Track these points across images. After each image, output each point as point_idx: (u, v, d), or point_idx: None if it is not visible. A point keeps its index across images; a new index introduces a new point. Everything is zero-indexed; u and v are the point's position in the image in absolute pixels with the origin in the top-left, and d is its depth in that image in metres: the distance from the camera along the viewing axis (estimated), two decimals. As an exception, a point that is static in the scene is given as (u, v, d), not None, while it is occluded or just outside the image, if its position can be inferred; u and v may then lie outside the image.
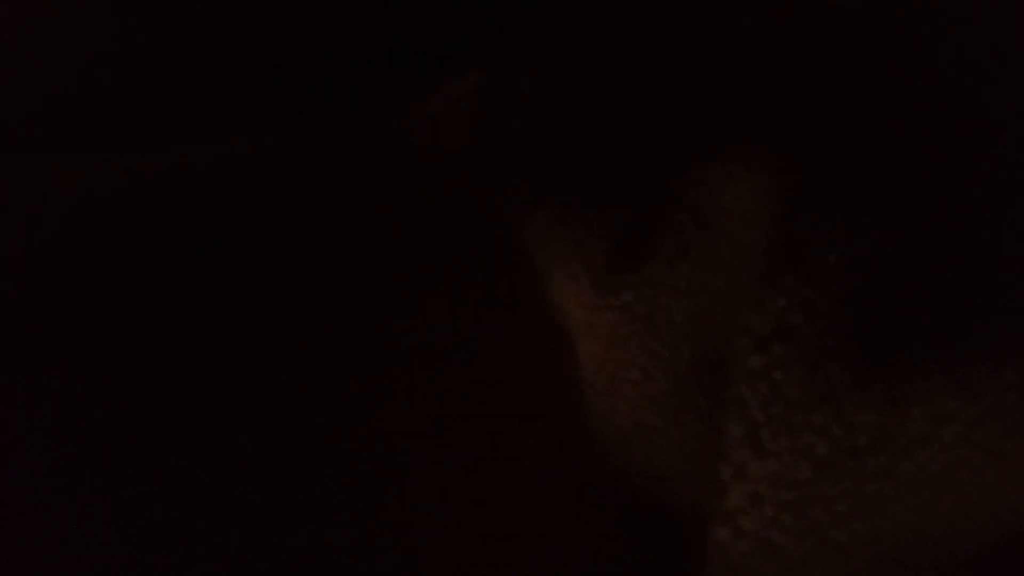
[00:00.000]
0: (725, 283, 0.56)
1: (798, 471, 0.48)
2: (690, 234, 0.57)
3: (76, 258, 0.76)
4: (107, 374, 0.72)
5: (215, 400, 0.71)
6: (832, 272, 0.51)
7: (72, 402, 0.72)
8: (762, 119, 0.58)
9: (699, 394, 0.55)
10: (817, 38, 0.60)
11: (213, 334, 0.72)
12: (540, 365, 0.65)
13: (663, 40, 0.66)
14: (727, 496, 0.50)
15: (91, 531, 0.69)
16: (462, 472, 0.65)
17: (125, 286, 0.74)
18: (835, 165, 0.53)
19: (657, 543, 0.56)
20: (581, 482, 0.62)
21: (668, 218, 0.58)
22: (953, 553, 0.48)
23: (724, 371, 0.53)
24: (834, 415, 0.48)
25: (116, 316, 0.73)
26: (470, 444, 0.66)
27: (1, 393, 0.71)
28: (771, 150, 0.56)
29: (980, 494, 0.47)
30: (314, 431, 0.69)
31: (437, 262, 0.71)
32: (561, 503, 0.63)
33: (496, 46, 0.75)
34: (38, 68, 0.81)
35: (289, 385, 0.70)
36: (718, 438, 0.52)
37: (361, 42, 0.79)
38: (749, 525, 0.49)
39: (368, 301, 0.71)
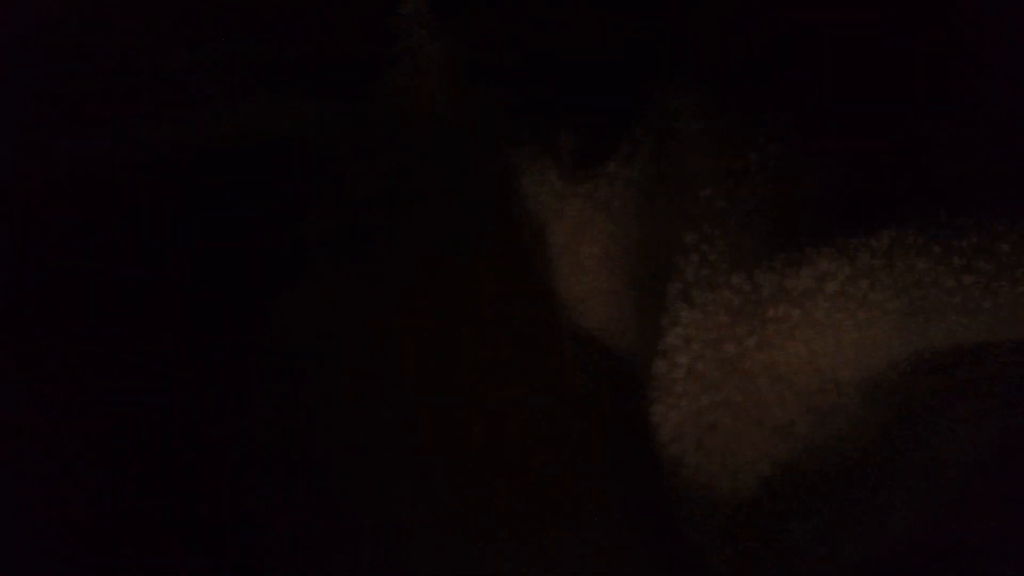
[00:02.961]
0: (667, 178, 0.69)
1: (718, 318, 0.63)
2: (642, 140, 0.71)
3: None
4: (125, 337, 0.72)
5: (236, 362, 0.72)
6: (748, 171, 0.65)
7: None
8: (706, 47, 0.71)
9: (645, 263, 0.69)
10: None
11: (221, 302, 0.73)
12: (519, 246, 0.77)
13: None
14: (665, 337, 0.64)
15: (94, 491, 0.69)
16: (453, 337, 0.74)
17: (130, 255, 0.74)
18: (754, 89, 0.67)
19: (611, 378, 0.70)
20: (553, 335, 0.75)
21: (626, 127, 0.71)
22: (836, 379, 0.63)
23: (665, 245, 0.67)
24: (745, 276, 0.63)
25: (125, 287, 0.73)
26: (462, 314, 0.75)
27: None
28: (710, 74, 0.69)
29: (852, 333, 0.62)
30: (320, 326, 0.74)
31: (429, 175, 0.77)
32: (536, 353, 0.75)
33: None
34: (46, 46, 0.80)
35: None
36: (659, 296, 0.66)
37: (341, 22, 0.82)
38: (681, 359, 0.64)
39: (366, 216, 0.76)
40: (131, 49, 0.80)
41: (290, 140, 0.76)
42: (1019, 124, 0.61)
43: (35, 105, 0.78)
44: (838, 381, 0.63)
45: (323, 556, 0.68)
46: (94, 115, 0.78)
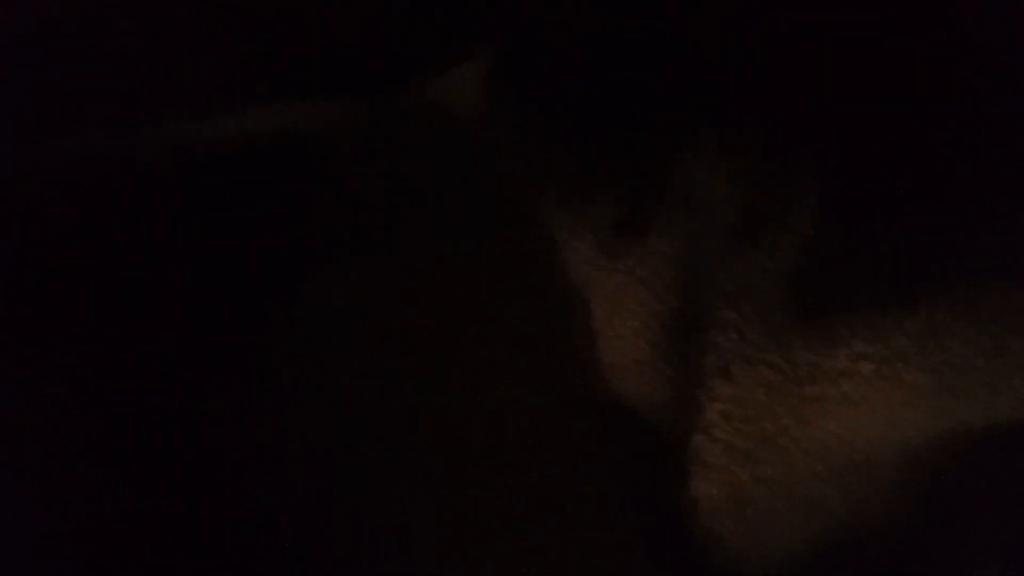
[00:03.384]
0: (704, 252, 0.71)
1: (755, 394, 0.65)
2: (678, 213, 0.72)
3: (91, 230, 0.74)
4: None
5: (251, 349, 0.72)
6: (783, 246, 0.67)
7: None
8: (738, 121, 0.73)
9: (682, 338, 0.71)
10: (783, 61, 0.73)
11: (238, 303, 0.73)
12: (556, 315, 0.79)
13: (658, 40, 0.78)
14: (703, 412, 0.66)
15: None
16: (483, 402, 0.75)
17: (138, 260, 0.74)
18: (787, 167, 0.69)
19: (647, 452, 0.72)
20: (589, 407, 0.77)
21: (662, 200, 0.73)
22: (870, 457, 0.64)
23: (702, 320, 0.69)
24: (782, 354, 0.64)
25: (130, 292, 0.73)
26: (492, 381, 0.77)
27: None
28: (742, 152, 0.71)
29: (886, 412, 0.63)
30: (363, 379, 0.74)
31: (456, 230, 0.79)
32: (570, 424, 0.77)
33: (502, 30, 0.82)
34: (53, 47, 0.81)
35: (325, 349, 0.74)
36: (696, 371, 0.68)
37: (372, 24, 0.84)
38: (719, 434, 0.65)
39: (391, 267, 0.77)
40: (151, 48, 0.81)
41: (315, 141, 0.78)
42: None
43: (52, 104, 0.80)
44: (872, 459, 0.64)
45: (332, 556, 0.69)
46: (114, 116, 0.80)
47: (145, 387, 0.71)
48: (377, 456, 0.72)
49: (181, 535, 0.67)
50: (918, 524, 0.65)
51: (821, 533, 0.64)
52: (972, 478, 0.65)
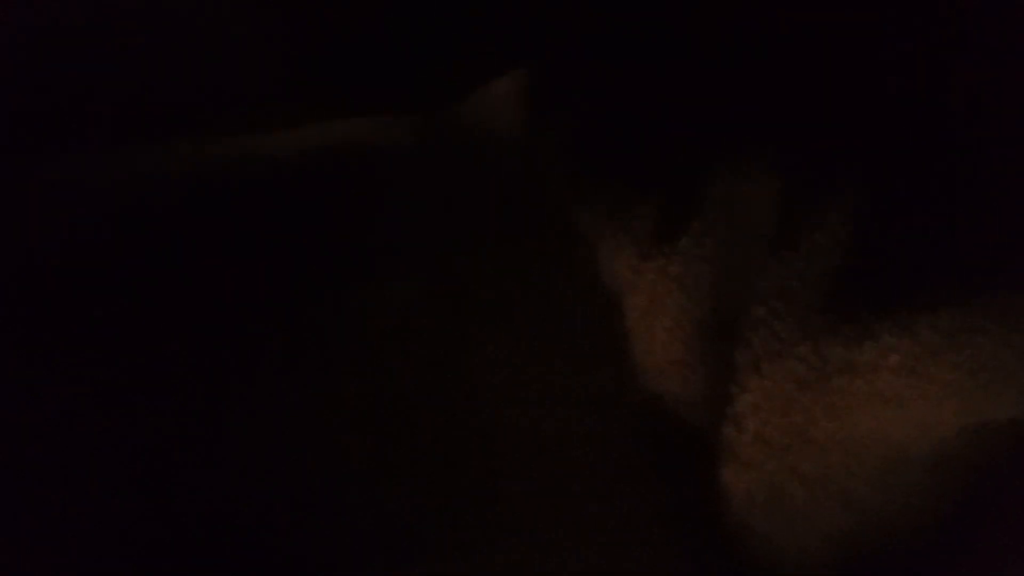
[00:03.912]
0: (739, 254, 0.73)
1: (786, 387, 0.66)
2: (714, 216, 0.74)
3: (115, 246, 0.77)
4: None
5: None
6: (817, 248, 0.68)
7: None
8: (773, 130, 0.75)
9: (716, 336, 0.72)
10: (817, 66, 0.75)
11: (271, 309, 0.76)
12: (593, 318, 0.81)
13: (696, 50, 0.79)
14: (734, 405, 0.67)
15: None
16: (522, 401, 0.78)
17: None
18: (822, 169, 0.70)
19: (681, 444, 0.73)
20: (624, 406, 0.78)
21: (698, 204, 0.75)
22: (902, 451, 0.65)
23: (736, 319, 0.70)
24: (812, 349, 0.65)
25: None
26: (531, 381, 0.79)
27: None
28: (777, 155, 0.73)
29: (917, 406, 0.64)
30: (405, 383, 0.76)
31: (497, 237, 0.81)
32: (606, 423, 0.79)
33: (543, 43, 0.85)
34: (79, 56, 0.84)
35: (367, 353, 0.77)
36: (729, 367, 0.69)
37: (414, 36, 0.86)
38: (750, 425, 0.67)
39: (435, 274, 0.80)
40: (201, 63, 0.84)
41: (362, 154, 0.81)
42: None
43: (107, 114, 0.82)
44: (904, 451, 0.65)
45: (368, 545, 0.71)
46: (166, 129, 0.82)
47: (192, 389, 0.74)
48: (421, 451, 0.75)
49: (192, 532, 0.70)
50: (952, 521, 0.66)
51: (855, 528, 0.65)
52: (1004, 475, 0.66)
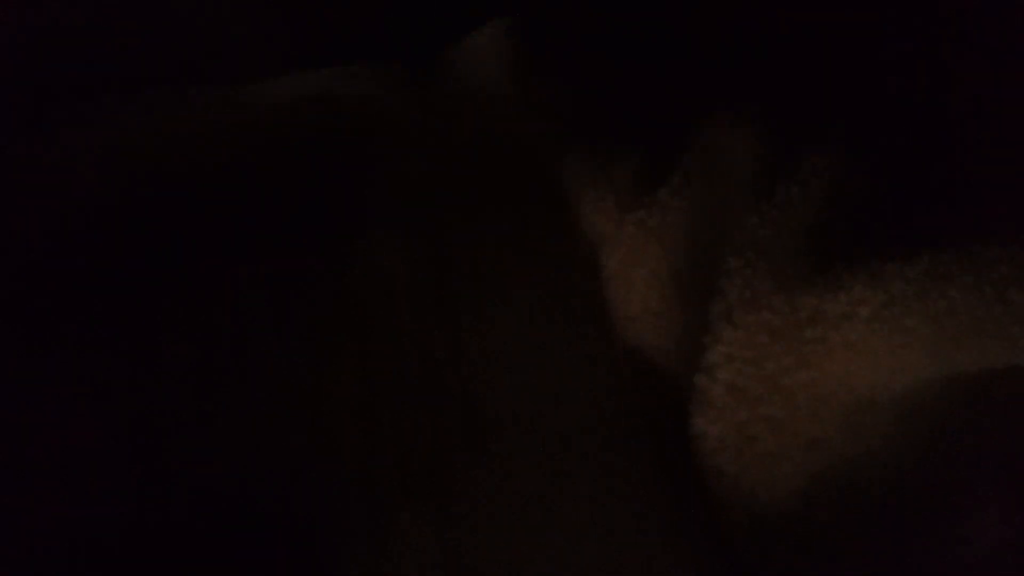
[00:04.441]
0: (718, 207, 0.74)
1: (759, 338, 0.67)
2: (694, 169, 0.75)
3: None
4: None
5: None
6: (794, 201, 0.69)
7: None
8: (755, 86, 0.75)
9: (693, 287, 0.73)
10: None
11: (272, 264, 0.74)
12: (573, 266, 0.82)
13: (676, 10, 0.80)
14: (707, 355, 0.68)
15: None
16: (513, 357, 0.78)
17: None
18: (801, 125, 0.71)
19: (658, 393, 0.75)
20: (605, 358, 0.79)
21: (678, 157, 0.76)
22: (871, 399, 0.66)
23: (711, 270, 0.71)
24: (786, 300, 0.67)
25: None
26: (519, 336, 0.79)
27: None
28: (758, 111, 0.73)
29: (886, 356, 0.65)
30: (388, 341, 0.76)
31: (483, 191, 0.81)
32: (593, 379, 0.80)
33: None
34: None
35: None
36: (704, 318, 0.70)
37: None
38: (722, 375, 0.68)
39: (419, 225, 0.79)
40: (191, 13, 0.83)
41: (348, 104, 0.80)
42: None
43: (93, 65, 0.81)
44: (873, 401, 0.66)
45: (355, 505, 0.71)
46: (155, 79, 0.81)
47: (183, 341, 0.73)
48: (406, 406, 0.75)
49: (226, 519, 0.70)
50: (918, 468, 0.67)
51: (825, 470, 0.66)
52: (971, 425, 0.67)
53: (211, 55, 0.85)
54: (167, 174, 0.77)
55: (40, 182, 0.78)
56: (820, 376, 0.66)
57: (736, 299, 0.68)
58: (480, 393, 0.76)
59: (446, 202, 0.80)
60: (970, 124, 0.66)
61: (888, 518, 0.67)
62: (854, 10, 0.74)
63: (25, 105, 0.81)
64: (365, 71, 0.85)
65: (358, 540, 0.73)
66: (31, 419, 0.70)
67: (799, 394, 0.66)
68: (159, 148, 0.79)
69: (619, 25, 0.82)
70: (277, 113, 0.81)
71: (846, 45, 0.73)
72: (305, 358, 0.74)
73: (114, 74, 0.83)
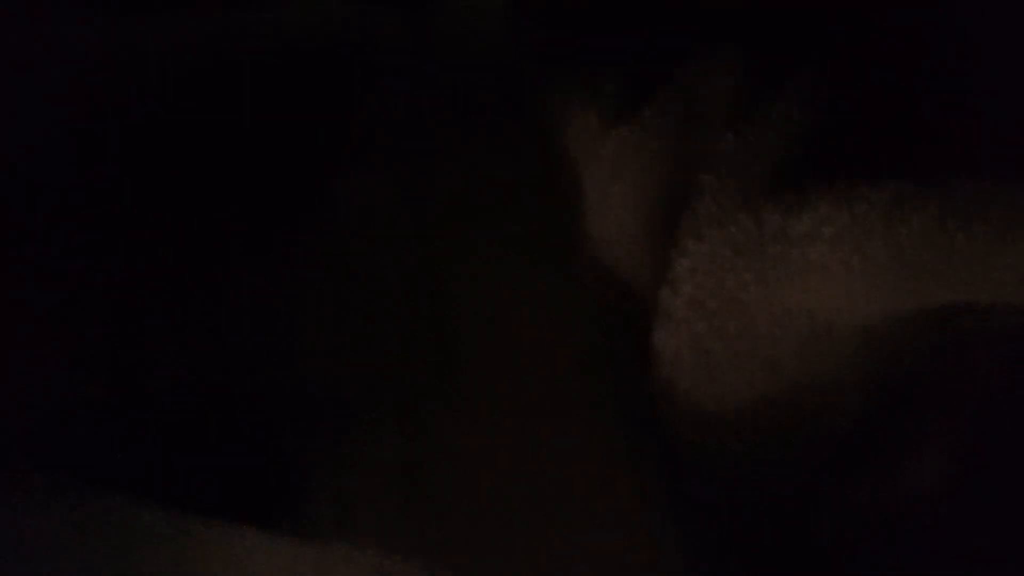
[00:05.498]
0: (697, 128, 0.74)
1: (723, 253, 0.68)
2: (677, 91, 0.75)
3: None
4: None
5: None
6: (770, 121, 0.70)
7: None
8: (734, 17, 0.76)
9: (666, 203, 0.74)
10: None
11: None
12: (554, 200, 0.83)
13: None
14: (673, 269, 0.69)
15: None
16: (487, 276, 0.80)
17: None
18: (781, 53, 0.71)
19: (626, 311, 0.75)
20: (577, 285, 0.80)
21: (662, 82, 0.76)
22: (829, 324, 0.66)
23: (684, 187, 0.72)
24: (752, 216, 0.67)
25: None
26: (498, 262, 0.82)
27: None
28: (738, 40, 0.74)
29: (847, 280, 0.66)
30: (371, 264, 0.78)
31: (473, 129, 0.81)
32: (559, 302, 0.81)
33: None
34: None
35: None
36: (673, 235, 0.71)
37: None
38: (684, 288, 0.68)
39: (406, 160, 0.80)
40: None
41: (345, 38, 0.82)
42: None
43: None
44: (830, 326, 0.67)
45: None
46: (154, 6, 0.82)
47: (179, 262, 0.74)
48: (381, 330, 0.76)
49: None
50: (870, 400, 0.68)
51: (777, 392, 0.66)
52: (926, 362, 0.67)
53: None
54: (162, 93, 0.79)
55: (53, 79, 0.80)
56: (779, 295, 0.66)
57: (705, 215, 0.68)
58: (455, 324, 0.77)
59: (432, 137, 0.81)
60: (947, 57, 0.66)
61: (834, 445, 0.67)
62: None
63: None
64: (361, 7, 0.86)
65: (322, 443, 0.75)
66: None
67: (757, 312, 0.66)
68: (156, 66, 0.80)
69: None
70: (272, 43, 0.82)
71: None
72: (282, 275, 0.76)
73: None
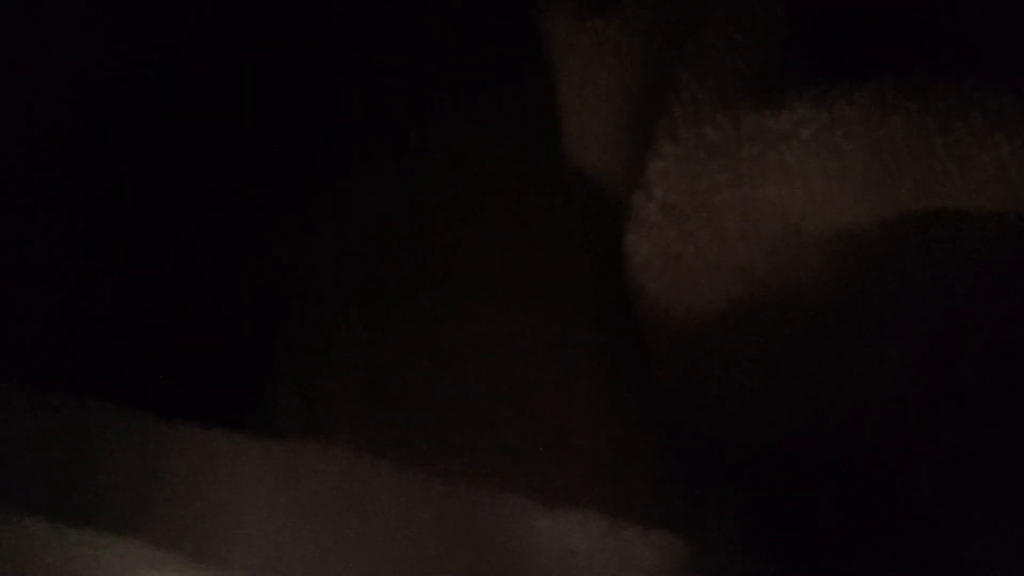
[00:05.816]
0: (676, 24, 0.72)
1: (697, 153, 0.66)
2: None
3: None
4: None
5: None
6: (750, 17, 0.67)
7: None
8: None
9: (640, 102, 0.72)
10: None
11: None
12: (529, 88, 0.81)
13: None
14: (646, 171, 0.67)
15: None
16: (462, 186, 0.80)
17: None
18: None
19: (601, 214, 0.74)
20: (557, 172, 0.79)
21: None
22: (801, 229, 0.65)
23: (661, 86, 0.70)
24: (729, 116, 0.65)
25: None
26: (473, 172, 0.81)
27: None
28: None
29: (822, 183, 0.64)
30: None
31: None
32: (535, 209, 0.80)
33: None
34: None
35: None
36: (648, 136, 0.69)
37: None
38: (656, 192, 0.67)
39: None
40: None
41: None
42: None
43: None
44: (803, 231, 0.65)
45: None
46: None
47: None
48: (356, 236, 0.77)
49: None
50: (841, 307, 0.67)
51: (747, 297, 0.65)
52: (899, 270, 0.66)
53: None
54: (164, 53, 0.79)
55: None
56: (752, 197, 0.64)
57: (680, 114, 0.66)
58: (423, 224, 0.77)
59: (427, 65, 0.81)
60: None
61: (803, 352, 0.66)
62: None
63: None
64: None
65: (289, 345, 0.75)
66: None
67: (729, 215, 0.65)
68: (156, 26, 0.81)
69: None
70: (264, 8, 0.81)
71: None
72: (246, 173, 0.76)
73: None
